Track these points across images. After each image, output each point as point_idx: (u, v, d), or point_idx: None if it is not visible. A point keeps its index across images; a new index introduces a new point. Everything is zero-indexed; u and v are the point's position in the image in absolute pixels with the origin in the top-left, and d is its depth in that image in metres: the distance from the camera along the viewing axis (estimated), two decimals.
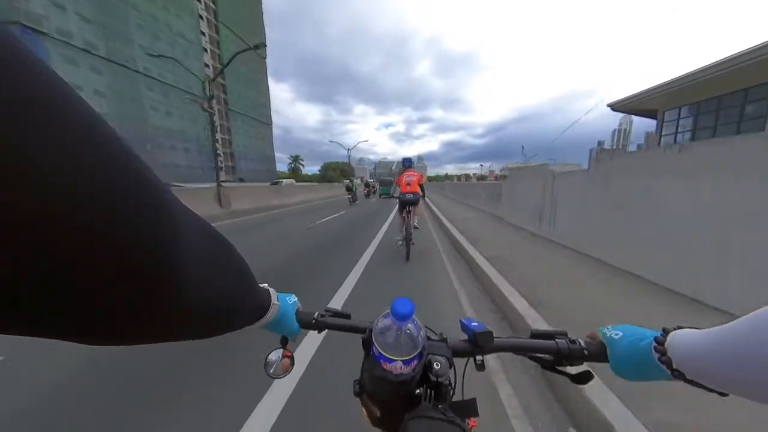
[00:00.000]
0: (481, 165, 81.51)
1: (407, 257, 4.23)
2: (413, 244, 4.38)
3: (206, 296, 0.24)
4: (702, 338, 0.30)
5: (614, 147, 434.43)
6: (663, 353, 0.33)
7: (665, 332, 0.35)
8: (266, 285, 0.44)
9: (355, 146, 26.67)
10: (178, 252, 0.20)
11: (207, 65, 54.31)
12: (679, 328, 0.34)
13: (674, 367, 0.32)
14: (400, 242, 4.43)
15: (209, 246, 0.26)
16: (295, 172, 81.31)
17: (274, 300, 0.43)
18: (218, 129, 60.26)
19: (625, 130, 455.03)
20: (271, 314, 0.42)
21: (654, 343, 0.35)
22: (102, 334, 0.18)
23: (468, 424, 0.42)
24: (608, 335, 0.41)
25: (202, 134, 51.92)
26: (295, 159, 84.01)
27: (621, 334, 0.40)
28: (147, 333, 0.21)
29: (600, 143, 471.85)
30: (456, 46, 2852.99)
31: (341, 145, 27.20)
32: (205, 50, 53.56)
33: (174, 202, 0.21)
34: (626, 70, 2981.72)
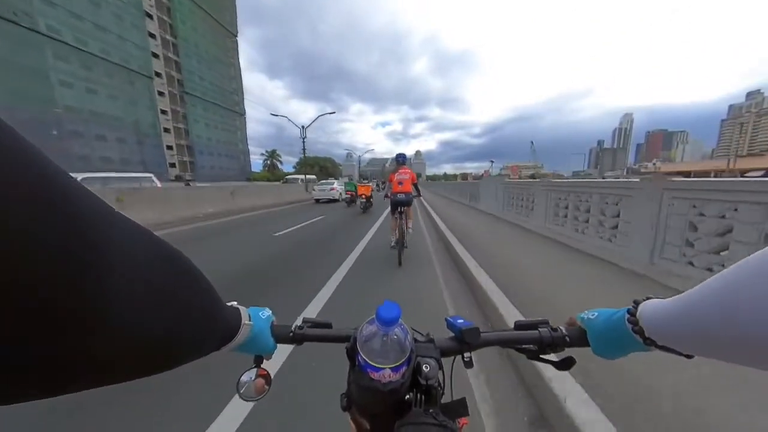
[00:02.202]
0: (492, 161, 71.83)
1: (399, 262, 3.76)
2: (406, 247, 4.06)
3: (153, 327, 0.20)
4: (668, 306, 0.31)
5: (615, 147, 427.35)
6: (635, 323, 0.35)
7: (636, 304, 0.36)
8: (235, 303, 0.41)
9: (310, 124, 16.69)
10: (107, 277, 0.16)
11: (152, 35, 43.63)
12: (648, 299, 0.35)
13: (646, 335, 0.34)
14: (393, 245, 4.02)
15: (155, 264, 0.22)
16: (271, 170, 70.35)
17: (245, 320, 0.39)
18: (169, 114, 49.92)
19: (626, 129, 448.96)
20: (241, 336, 0.38)
21: (627, 315, 0.37)
22: (11, 392, 0.14)
23: (458, 423, 0.42)
24: (585, 318, 0.43)
25: (144, 120, 41.45)
26: (272, 154, 71.37)
27: (597, 314, 0.42)
28: (77, 381, 0.17)
29: (600, 143, 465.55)
30: (454, 45, 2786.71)
31: (293, 123, 17.10)
32: (150, 16, 42.82)
33: (99, 207, 0.17)
34: (626, 70, 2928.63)
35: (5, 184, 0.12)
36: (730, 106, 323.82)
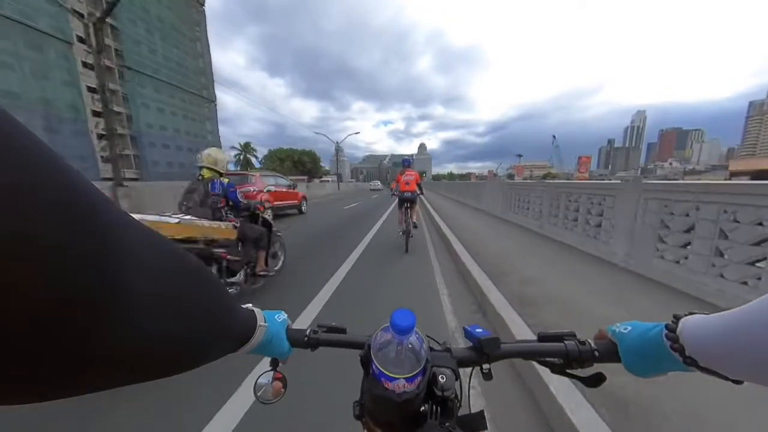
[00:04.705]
0: (520, 156, 60.52)
1: (407, 249, 4.66)
2: (412, 237, 4.91)
3: (169, 330, 0.21)
4: (714, 322, 0.29)
5: (628, 146, 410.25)
6: (675, 341, 0.32)
7: (676, 319, 0.34)
8: (250, 305, 0.42)
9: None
10: (122, 278, 0.16)
11: None
12: (691, 314, 0.33)
13: (687, 354, 0.31)
14: (401, 234, 4.86)
15: (168, 268, 0.22)
16: (245, 166, 59.36)
17: (260, 321, 0.40)
18: (105, 92, 39.49)
19: (638, 127, 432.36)
20: (257, 338, 0.39)
21: (665, 331, 0.34)
22: (21, 392, 0.14)
23: None
24: (617, 331, 0.40)
25: (59, 99, 31.11)
26: (245, 148, 60.46)
27: (630, 328, 0.39)
28: (89, 382, 0.17)
29: (610, 141, 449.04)
30: (458, 41, 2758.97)
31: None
32: None
33: (114, 211, 0.17)
34: (629, 69, 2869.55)
35: (30, 189, 0.12)
36: (750, 103, 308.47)
